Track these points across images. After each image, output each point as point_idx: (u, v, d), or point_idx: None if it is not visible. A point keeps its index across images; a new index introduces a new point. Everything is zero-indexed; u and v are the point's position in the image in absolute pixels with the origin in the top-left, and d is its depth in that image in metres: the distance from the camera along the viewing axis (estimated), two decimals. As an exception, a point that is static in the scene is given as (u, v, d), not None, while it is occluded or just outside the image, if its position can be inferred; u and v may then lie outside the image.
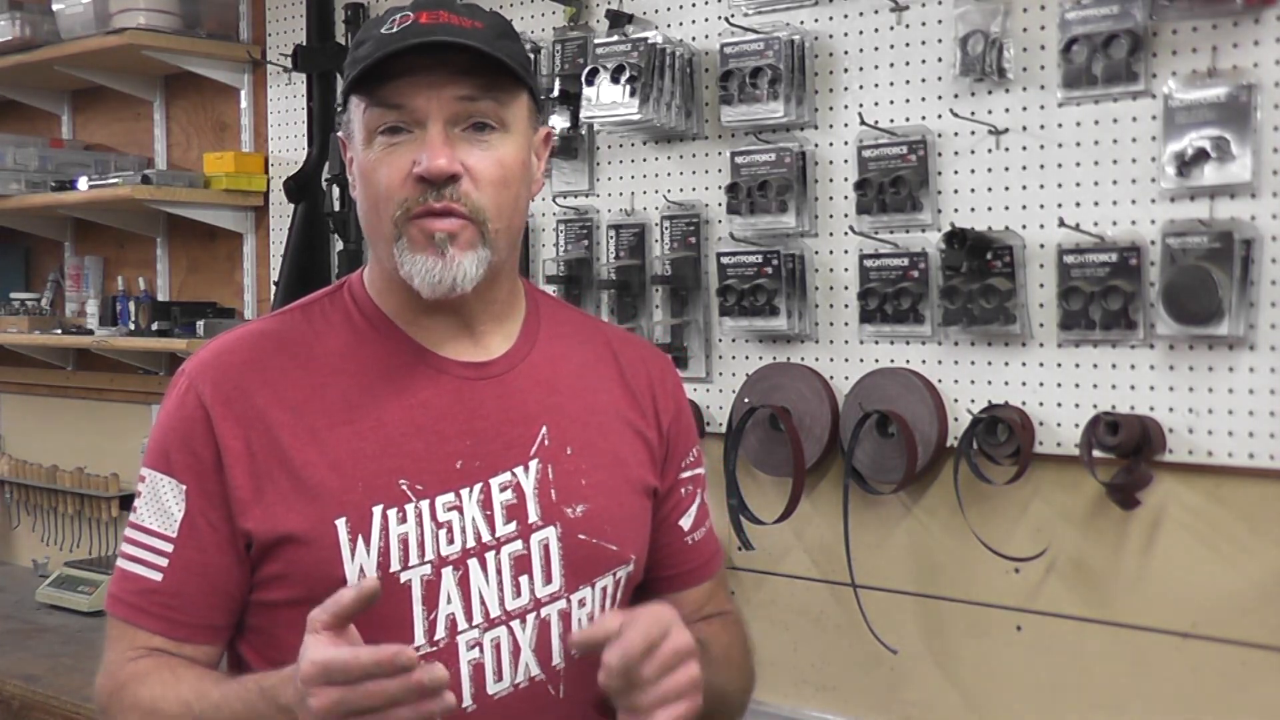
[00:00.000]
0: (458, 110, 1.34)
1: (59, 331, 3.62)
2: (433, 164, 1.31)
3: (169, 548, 1.37)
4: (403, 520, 1.36)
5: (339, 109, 2.91)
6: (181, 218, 3.41)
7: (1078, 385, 2.16)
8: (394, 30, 1.34)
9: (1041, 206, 2.18)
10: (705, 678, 1.32)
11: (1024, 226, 2.20)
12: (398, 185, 1.34)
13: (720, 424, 2.51)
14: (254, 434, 1.37)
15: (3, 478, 3.92)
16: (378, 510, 1.35)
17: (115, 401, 3.70)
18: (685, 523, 1.57)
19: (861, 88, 2.36)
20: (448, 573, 1.36)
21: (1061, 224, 2.11)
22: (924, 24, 2.29)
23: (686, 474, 1.57)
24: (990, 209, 2.23)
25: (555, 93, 2.64)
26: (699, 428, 2.52)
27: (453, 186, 1.33)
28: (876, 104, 2.35)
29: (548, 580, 1.40)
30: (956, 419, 2.28)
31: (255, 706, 1.24)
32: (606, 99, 2.50)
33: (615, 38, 2.56)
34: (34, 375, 3.91)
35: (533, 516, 1.40)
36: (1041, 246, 2.18)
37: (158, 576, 1.37)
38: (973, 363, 2.26)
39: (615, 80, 2.49)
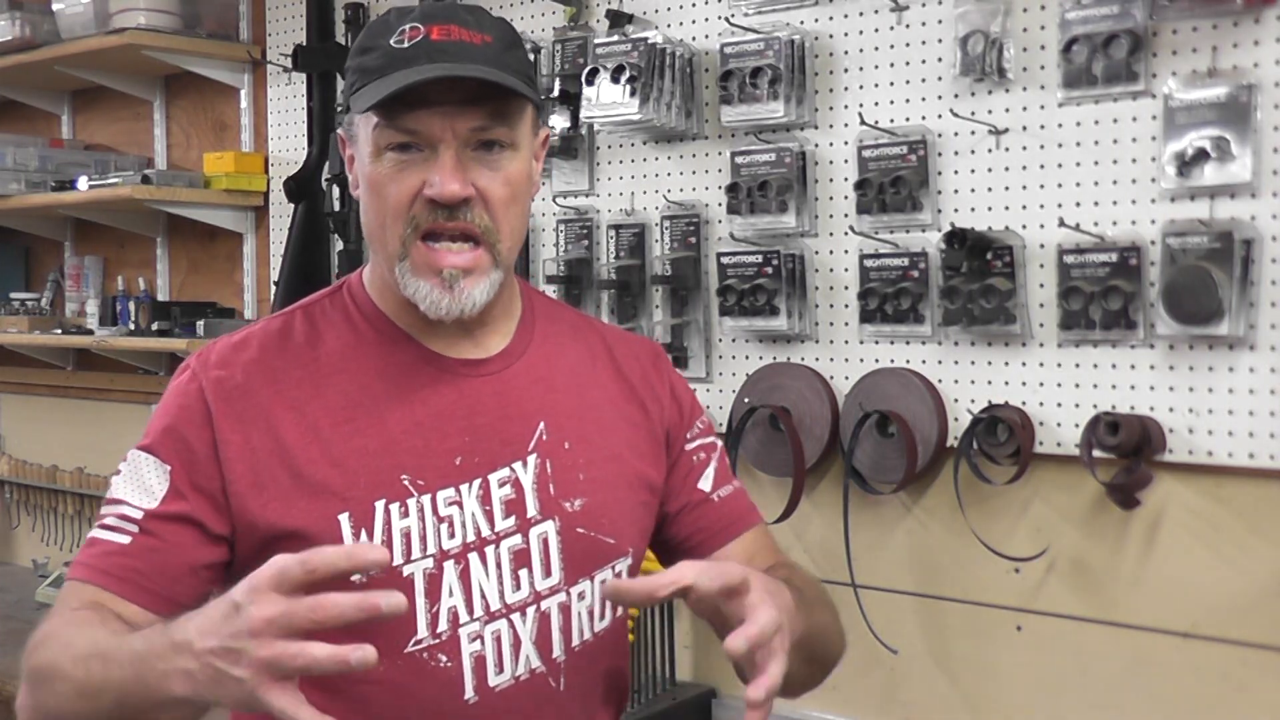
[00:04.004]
0: (470, 136, 1.34)
1: (59, 331, 3.62)
2: (445, 189, 1.32)
3: (139, 515, 1.35)
4: (405, 515, 1.36)
5: (340, 109, 2.93)
6: (181, 218, 3.41)
7: (1078, 385, 2.16)
8: (405, 45, 1.33)
9: (1041, 206, 2.18)
10: (803, 618, 1.31)
11: (1024, 226, 2.20)
12: (406, 204, 1.34)
13: (720, 424, 2.51)
14: (255, 431, 1.37)
15: (3, 478, 3.92)
16: (380, 505, 1.35)
17: (115, 401, 3.70)
18: (705, 484, 1.55)
19: (861, 88, 2.37)
20: (449, 566, 1.37)
21: (1061, 224, 2.12)
22: (924, 24, 2.29)
23: (693, 444, 1.56)
24: (990, 209, 2.23)
25: (555, 93, 2.64)
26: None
27: (465, 208, 1.34)
28: (876, 104, 2.35)
29: (547, 573, 1.41)
30: (956, 419, 2.28)
31: (152, 641, 1.19)
32: (606, 99, 2.51)
33: (615, 38, 2.56)
34: (34, 375, 3.91)
35: (531, 511, 1.41)
36: (1041, 246, 2.18)
37: (125, 539, 1.34)
38: (973, 363, 2.26)
39: (615, 80, 2.49)
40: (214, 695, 1.12)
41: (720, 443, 1.60)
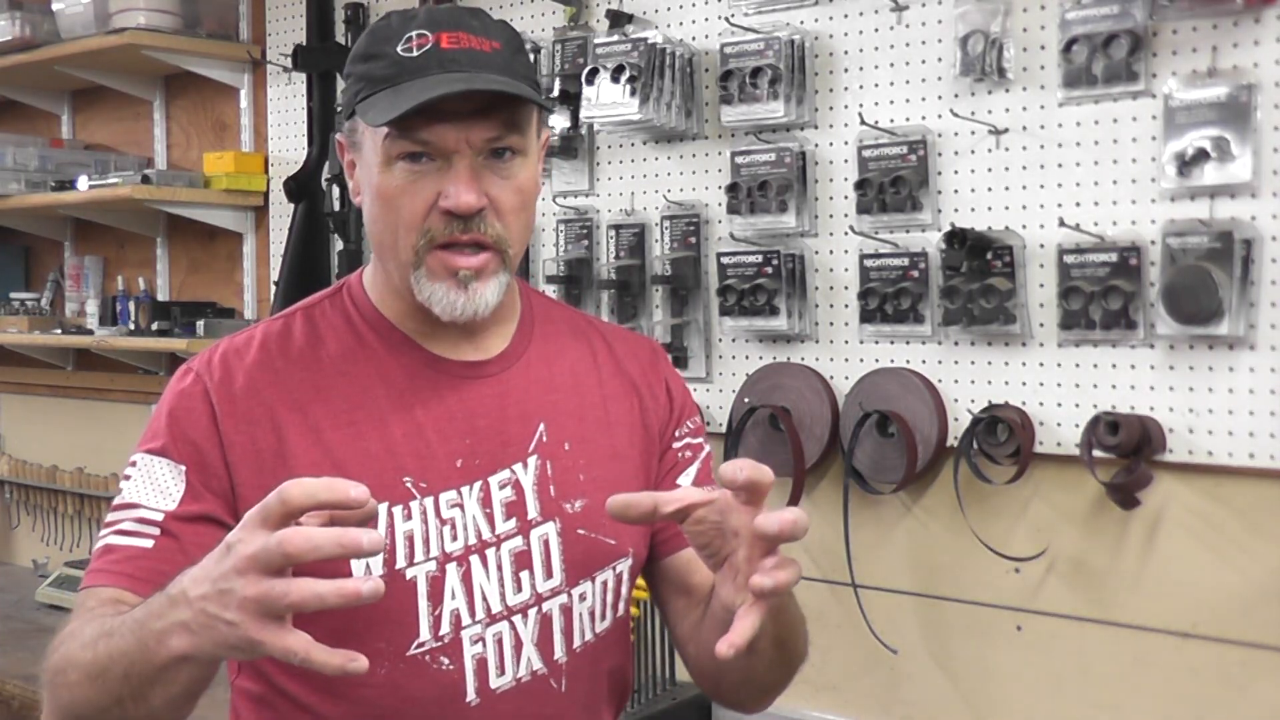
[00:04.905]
0: (483, 145, 1.33)
1: (59, 331, 3.62)
2: (461, 201, 1.31)
3: (159, 517, 1.33)
4: (408, 518, 1.36)
5: (340, 111, 2.93)
6: (181, 218, 3.41)
7: (1078, 385, 2.16)
8: (415, 54, 1.32)
9: (1041, 206, 2.18)
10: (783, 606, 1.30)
11: (1024, 226, 2.20)
12: (421, 215, 1.34)
13: (720, 424, 2.51)
14: (259, 432, 1.37)
15: (3, 478, 3.92)
16: (383, 508, 1.35)
17: (115, 401, 3.70)
18: (685, 480, 1.53)
19: (861, 88, 2.37)
20: (451, 569, 1.37)
21: (1061, 224, 2.12)
22: (924, 24, 2.29)
23: (680, 442, 1.55)
24: (990, 209, 2.23)
25: (555, 93, 2.64)
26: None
27: (478, 219, 1.34)
28: (876, 104, 2.35)
29: (548, 575, 1.41)
30: (956, 419, 2.28)
31: (151, 603, 1.15)
32: (606, 99, 2.51)
33: (615, 37, 2.56)
34: (34, 375, 3.91)
35: (532, 513, 1.41)
36: (1041, 246, 2.18)
37: (148, 543, 1.32)
38: (973, 363, 2.26)
39: (615, 80, 2.49)
40: (211, 646, 1.07)
41: (708, 447, 1.59)
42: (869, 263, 2.34)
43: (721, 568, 1.23)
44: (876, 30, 2.35)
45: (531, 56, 2.68)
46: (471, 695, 1.37)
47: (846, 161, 2.38)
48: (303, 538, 1.01)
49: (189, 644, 1.09)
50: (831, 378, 2.41)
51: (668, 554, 1.51)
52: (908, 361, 2.33)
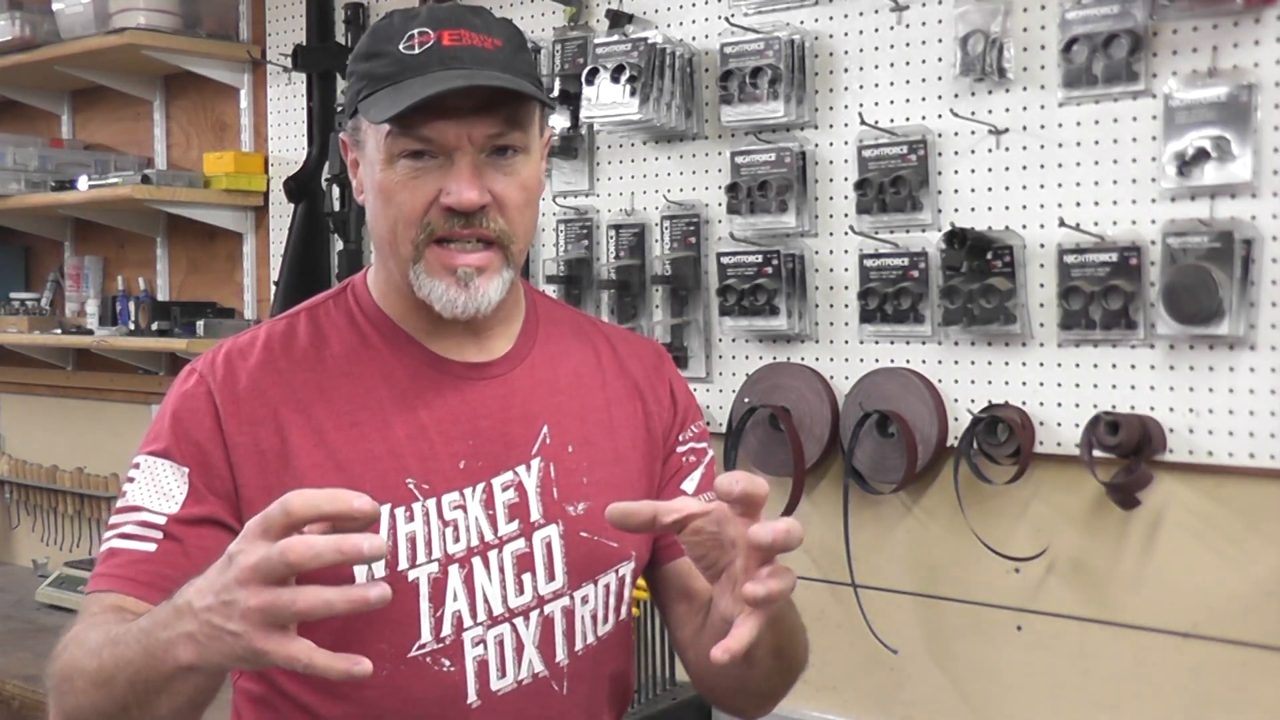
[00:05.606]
0: (485, 142, 1.33)
1: (59, 331, 3.62)
2: (464, 198, 1.31)
3: (162, 520, 1.33)
4: (410, 519, 1.36)
5: (340, 110, 2.93)
6: (181, 218, 3.41)
7: (1078, 385, 2.16)
8: (416, 52, 1.32)
9: (1041, 206, 2.18)
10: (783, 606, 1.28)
11: (1024, 226, 2.20)
12: (421, 210, 1.34)
13: (720, 424, 2.51)
14: (263, 433, 1.37)
15: (3, 478, 3.92)
16: (386, 509, 1.35)
17: (115, 401, 3.70)
18: (689, 487, 1.53)
19: (861, 88, 2.37)
20: (454, 571, 1.37)
21: (1061, 224, 2.12)
22: (924, 24, 2.29)
23: (684, 446, 1.55)
24: (990, 209, 2.23)
25: (555, 93, 2.64)
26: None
27: (480, 214, 1.34)
28: (876, 104, 2.35)
29: (550, 578, 1.41)
30: (956, 419, 2.28)
31: (157, 613, 1.15)
32: (606, 99, 2.51)
33: (615, 37, 2.56)
34: (34, 375, 3.91)
35: (535, 515, 1.41)
36: (1041, 246, 2.18)
37: (150, 547, 1.32)
38: (973, 363, 2.26)
39: (615, 80, 2.49)
40: (217, 656, 1.07)
41: (712, 451, 1.58)
42: (869, 263, 2.34)
43: (719, 579, 1.22)
44: (876, 30, 2.35)
45: (531, 56, 2.68)
46: (472, 697, 1.37)
47: (846, 161, 2.38)
48: (304, 545, 1.01)
49: (195, 655, 1.08)
50: (831, 378, 2.41)
51: (669, 559, 1.51)
52: (908, 361, 2.33)
